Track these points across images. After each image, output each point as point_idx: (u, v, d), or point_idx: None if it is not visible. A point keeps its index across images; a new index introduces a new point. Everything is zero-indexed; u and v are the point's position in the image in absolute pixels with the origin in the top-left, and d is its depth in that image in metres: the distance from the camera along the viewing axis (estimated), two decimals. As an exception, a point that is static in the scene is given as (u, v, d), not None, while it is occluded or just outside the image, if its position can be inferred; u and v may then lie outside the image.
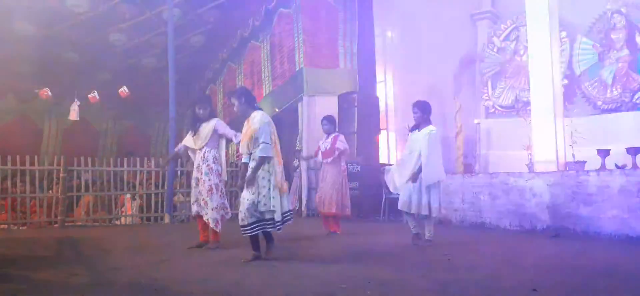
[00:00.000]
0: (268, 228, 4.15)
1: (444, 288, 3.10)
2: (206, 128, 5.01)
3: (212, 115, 5.12)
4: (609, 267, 3.79)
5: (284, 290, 3.10)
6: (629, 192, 5.14)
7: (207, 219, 4.93)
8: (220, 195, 4.99)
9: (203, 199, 4.94)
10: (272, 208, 4.08)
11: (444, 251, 4.70)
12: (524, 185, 6.19)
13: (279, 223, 4.14)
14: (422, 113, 5.02)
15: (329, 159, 6.11)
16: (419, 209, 4.95)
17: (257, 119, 4.16)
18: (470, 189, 6.85)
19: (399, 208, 5.14)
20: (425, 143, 4.86)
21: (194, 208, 5.05)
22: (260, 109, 4.36)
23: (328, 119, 6.31)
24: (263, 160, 4.08)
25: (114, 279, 3.58)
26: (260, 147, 4.06)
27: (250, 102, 4.31)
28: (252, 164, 4.12)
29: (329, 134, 6.21)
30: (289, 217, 4.28)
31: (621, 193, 5.20)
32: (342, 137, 6.18)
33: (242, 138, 4.28)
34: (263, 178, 4.10)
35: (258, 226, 4.11)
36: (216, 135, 5.05)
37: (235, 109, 4.36)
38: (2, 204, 8.72)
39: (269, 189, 4.09)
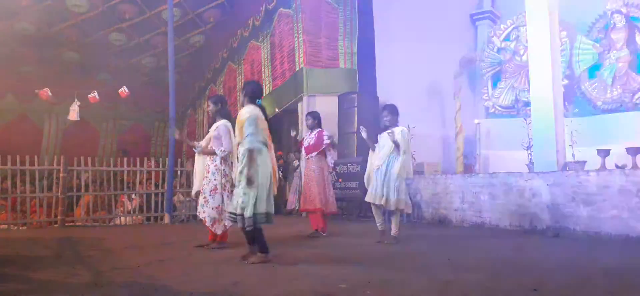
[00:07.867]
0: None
1: (444, 288, 3.10)
2: (211, 130, 5.11)
3: (221, 116, 5.11)
4: (609, 267, 3.79)
5: (283, 290, 3.09)
6: (629, 192, 5.13)
7: (204, 218, 4.98)
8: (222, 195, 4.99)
9: (204, 197, 4.99)
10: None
11: (444, 251, 4.71)
12: (524, 185, 6.19)
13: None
14: (392, 115, 5.24)
15: (313, 155, 6.06)
16: (389, 204, 5.08)
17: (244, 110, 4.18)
18: (470, 189, 6.84)
19: (367, 200, 5.26)
20: (402, 139, 5.04)
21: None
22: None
23: (312, 114, 6.29)
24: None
25: (114, 279, 3.57)
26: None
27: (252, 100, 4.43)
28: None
29: (312, 129, 6.19)
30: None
31: (621, 193, 5.19)
32: (327, 132, 6.17)
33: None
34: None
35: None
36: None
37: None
38: (2, 204, 8.74)
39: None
